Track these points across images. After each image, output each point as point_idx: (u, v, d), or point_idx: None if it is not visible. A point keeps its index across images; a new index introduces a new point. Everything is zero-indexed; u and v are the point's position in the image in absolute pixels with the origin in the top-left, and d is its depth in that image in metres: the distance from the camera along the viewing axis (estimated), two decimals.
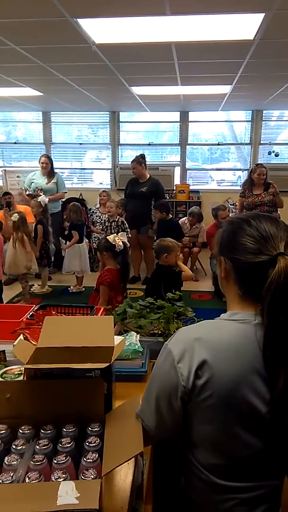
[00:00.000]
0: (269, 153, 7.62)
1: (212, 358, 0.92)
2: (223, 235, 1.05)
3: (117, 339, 1.28)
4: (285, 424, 0.91)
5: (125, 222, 5.14)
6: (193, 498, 1.04)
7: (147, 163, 5.70)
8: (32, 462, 0.95)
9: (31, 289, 5.18)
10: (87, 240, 5.60)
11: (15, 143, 8.25)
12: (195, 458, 1.01)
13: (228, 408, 0.92)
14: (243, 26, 2.94)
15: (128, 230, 5.12)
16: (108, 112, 7.73)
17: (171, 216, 5.88)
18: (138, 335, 1.73)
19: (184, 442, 1.04)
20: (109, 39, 3.26)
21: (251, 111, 7.50)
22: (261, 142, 7.60)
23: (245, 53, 3.65)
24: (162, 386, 0.99)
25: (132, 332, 1.75)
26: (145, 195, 5.45)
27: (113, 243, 3.10)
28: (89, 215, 6.19)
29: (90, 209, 6.32)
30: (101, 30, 3.05)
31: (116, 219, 5.12)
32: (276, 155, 7.63)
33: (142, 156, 5.55)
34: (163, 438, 1.09)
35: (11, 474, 0.91)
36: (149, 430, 1.02)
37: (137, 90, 5.42)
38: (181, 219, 6.26)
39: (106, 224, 5.17)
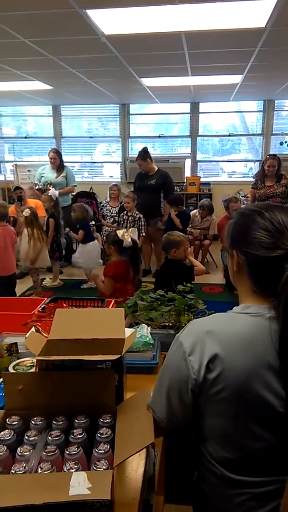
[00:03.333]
0: (281, 143, 7.51)
1: (224, 351, 0.91)
2: (234, 227, 1.01)
3: (128, 331, 1.28)
4: None
5: (142, 219, 5.12)
6: (206, 491, 1.04)
7: (157, 155, 5.67)
8: (44, 453, 0.96)
9: (43, 282, 5.22)
10: (99, 236, 5.60)
11: (25, 137, 8.27)
12: (207, 452, 1.00)
13: (240, 402, 0.91)
14: (255, 13, 2.89)
15: (143, 226, 5.12)
16: (118, 105, 7.69)
17: (184, 208, 5.87)
18: (149, 328, 1.73)
19: (196, 435, 1.03)
20: (118, 30, 3.23)
21: (262, 101, 7.39)
22: (273, 132, 7.49)
23: (257, 42, 3.59)
24: (173, 378, 0.99)
25: (143, 324, 1.75)
26: (153, 187, 5.43)
27: (121, 239, 3.10)
28: (99, 209, 6.20)
29: (101, 203, 6.31)
30: (110, 21, 3.02)
31: (134, 214, 5.12)
32: None
33: (145, 151, 5.49)
34: (173, 429, 1.09)
35: (24, 465, 0.92)
36: (159, 422, 1.02)
37: (147, 82, 5.38)
38: (192, 212, 6.23)
39: (124, 218, 5.16)
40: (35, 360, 1.19)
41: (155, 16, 2.91)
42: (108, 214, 5.93)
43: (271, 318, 0.91)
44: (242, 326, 0.93)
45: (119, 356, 1.11)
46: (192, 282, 3.13)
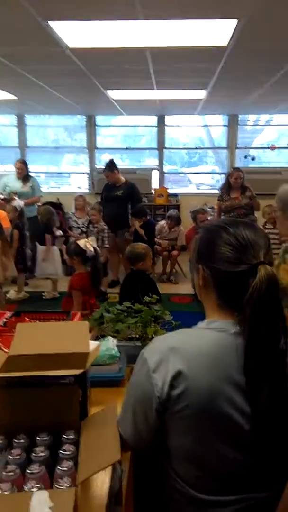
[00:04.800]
0: (246, 157, 7.75)
1: (188, 368, 0.90)
2: (200, 242, 1.02)
3: (92, 344, 1.27)
4: (268, 438, 0.90)
5: (106, 230, 5.15)
6: (171, 510, 1.03)
7: (125, 167, 5.71)
8: (4, 473, 0.93)
9: (7, 295, 5.09)
10: (63, 245, 5.55)
11: None
12: (173, 471, 0.99)
13: (204, 419, 0.90)
14: (217, 32, 2.98)
15: (107, 238, 5.14)
16: (84, 116, 7.70)
17: (148, 218, 5.92)
18: (115, 340, 1.72)
19: (162, 453, 1.02)
20: (83, 43, 3.25)
21: (227, 116, 7.61)
22: (238, 146, 7.71)
23: (220, 59, 3.70)
24: (137, 395, 0.98)
25: (109, 337, 1.74)
26: (121, 198, 5.46)
27: (84, 248, 3.07)
28: (65, 220, 6.14)
29: (67, 213, 6.27)
30: (74, 34, 3.03)
31: (99, 226, 5.12)
32: (253, 159, 7.76)
33: (112, 162, 5.54)
34: (139, 448, 1.07)
35: None
36: (125, 439, 1.01)
37: (113, 94, 5.42)
38: (160, 223, 6.29)
39: (90, 229, 5.15)
40: None
41: (119, 31, 2.95)
42: (75, 225, 5.89)
43: (236, 334, 0.91)
44: (207, 342, 0.93)
45: (82, 370, 1.10)
46: (161, 292, 3.15)
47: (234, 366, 0.89)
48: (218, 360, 0.90)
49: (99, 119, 7.84)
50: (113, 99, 5.72)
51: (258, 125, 7.98)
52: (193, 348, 0.93)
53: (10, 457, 0.98)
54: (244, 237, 0.93)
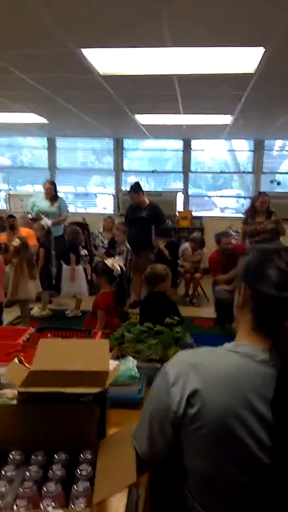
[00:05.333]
0: (271, 181, 7.72)
1: (205, 387, 0.89)
2: (250, 261, 1.01)
3: (113, 363, 1.27)
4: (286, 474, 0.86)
5: (130, 251, 5.20)
6: None
7: (150, 189, 5.79)
8: (21, 489, 0.93)
9: (31, 312, 5.16)
10: (88, 264, 5.62)
11: (20, 167, 8.40)
12: (190, 494, 0.97)
13: (218, 443, 0.88)
14: (244, 59, 3.03)
15: (131, 258, 5.19)
16: (112, 139, 7.89)
17: (172, 238, 5.95)
18: (135, 361, 1.72)
19: (180, 475, 1.00)
20: (113, 70, 3.36)
21: (253, 141, 7.64)
22: (264, 171, 7.70)
23: (246, 86, 3.75)
24: (155, 407, 0.97)
25: (129, 357, 1.74)
26: (145, 220, 5.51)
27: (111, 268, 3.10)
28: (91, 239, 6.24)
29: (93, 233, 6.37)
30: (105, 60, 3.15)
31: (126, 246, 5.19)
32: (278, 183, 7.72)
33: (137, 184, 5.64)
34: (153, 462, 1.05)
35: None
36: (141, 453, 1.00)
37: (141, 119, 5.55)
38: (183, 245, 6.28)
39: (117, 250, 5.22)
40: (16, 391, 1.17)
41: (148, 58, 3.04)
42: (101, 245, 5.97)
43: (262, 361, 0.90)
44: (229, 365, 0.92)
45: (102, 389, 1.10)
46: (184, 315, 3.13)
47: (254, 392, 0.87)
48: (236, 384, 0.89)
49: (127, 143, 8.02)
50: (141, 124, 5.85)
51: (285, 150, 7.96)
52: (213, 369, 0.92)
53: (28, 473, 0.98)
54: None
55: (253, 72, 3.28)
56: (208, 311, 5.42)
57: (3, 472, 0.99)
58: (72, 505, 0.90)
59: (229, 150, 8.09)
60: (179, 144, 7.82)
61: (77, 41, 2.76)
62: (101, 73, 3.44)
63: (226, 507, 0.92)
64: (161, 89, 3.96)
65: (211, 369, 0.92)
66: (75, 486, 0.95)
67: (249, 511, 0.91)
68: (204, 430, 0.89)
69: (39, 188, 6.43)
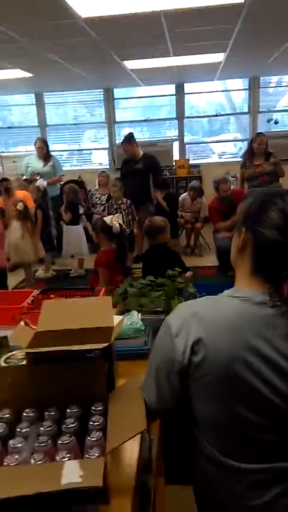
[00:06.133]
0: (268, 120, 7.46)
1: (208, 335, 0.91)
2: (251, 204, 0.98)
3: (116, 319, 1.28)
4: None
5: (132, 205, 5.14)
6: (203, 478, 1.04)
7: (145, 139, 5.63)
8: (36, 444, 0.96)
9: (36, 274, 5.20)
10: (88, 223, 5.59)
11: (9, 127, 8.14)
12: (202, 436, 1.00)
13: (225, 386, 0.91)
14: None
15: (135, 212, 5.14)
16: (102, 90, 7.56)
17: (171, 190, 5.86)
18: (139, 314, 1.74)
19: (190, 420, 1.03)
20: (96, 12, 3.16)
21: (248, 79, 7.30)
22: (260, 110, 7.42)
23: (237, 18, 3.53)
24: (160, 359, 0.99)
25: (134, 311, 1.75)
26: (141, 172, 5.39)
27: (110, 225, 3.08)
28: (89, 197, 6.16)
29: (90, 191, 6.27)
30: (87, 3, 2.95)
31: (125, 201, 5.11)
32: (276, 122, 7.48)
33: (130, 135, 5.45)
34: (162, 412, 1.09)
35: (16, 457, 0.92)
36: (149, 404, 1.02)
37: (130, 64, 5.28)
38: (182, 195, 6.20)
39: (115, 207, 5.15)
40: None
41: None
42: (98, 202, 5.90)
43: (261, 303, 0.91)
44: (229, 310, 0.93)
45: (107, 344, 1.11)
46: (186, 265, 3.14)
47: (256, 335, 0.89)
48: (237, 328, 0.90)
49: (117, 92, 7.69)
50: (130, 69, 5.58)
51: (281, 86, 7.62)
52: (214, 316, 0.93)
53: (42, 428, 1.02)
54: None
55: (242, 1, 3.07)
56: (210, 260, 5.45)
57: (18, 429, 1.02)
58: (87, 455, 0.94)
59: (224, 91, 7.76)
60: (171, 89, 7.50)
61: None
62: (83, 17, 3.23)
63: (238, 446, 0.95)
64: (148, 30, 3.74)
65: (212, 316, 0.93)
66: (88, 437, 0.98)
67: (260, 450, 0.94)
68: (210, 377, 0.91)
69: (32, 149, 6.26)
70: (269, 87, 7.53)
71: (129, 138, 5.40)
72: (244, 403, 0.91)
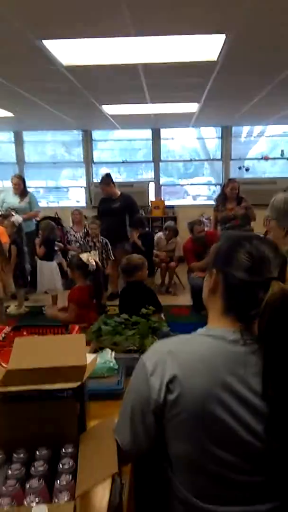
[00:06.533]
0: (240, 168, 7.82)
1: (183, 373, 0.92)
2: (221, 247, 1.04)
3: (89, 357, 1.28)
4: (277, 454, 0.90)
5: (109, 244, 5.19)
6: None
7: (122, 180, 5.78)
8: (4, 488, 0.93)
9: (7, 310, 5.09)
10: (63, 260, 5.58)
11: None
12: (174, 477, 0.99)
13: (198, 425, 0.91)
14: (207, 47, 3.04)
15: (110, 251, 5.20)
16: (81, 131, 7.79)
17: (147, 229, 5.96)
18: (113, 352, 1.73)
19: (164, 460, 1.02)
20: (77, 61, 3.31)
21: (220, 128, 7.70)
22: (232, 157, 7.79)
23: (210, 73, 3.77)
24: (136, 398, 0.99)
25: (107, 349, 1.75)
26: (118, 211, 5.49)
27: (86, 263, 3.10)
28: (64, 234, 6.18)
29: (65, 228, 6.31)
30: (68, 51, 3.09)
31: (101, 240, 5.16)
32: (247, 169, 7.84)
33: (108, 176, 5.60)
34: (137, 454, 1.07)
35: None
36: (123, 446, 1.01)
37: (108, 109, 5.50)
38: (157, 235, 6.32)
39: (90, 244, 5.19)
40: None
41: (112, 48, 3.01)
42: (73, 239, 5.92)
43: (233, 342, 0.94)
44: (203, 349, 0.95)
45: (80, 383, 1.10)
46: (159, 301, 3.16)
47: (229, 372, 0.91)
48: (211, 365, 0.92)
49: (96, 134, 7.93)
50: (109, 114, 5.80)
51: (252, 136, 8.07)
52: (189, 354, 0.95)
53: (10, 472, 0.99)
54: (264, 252, 0.96)
55: (216, 59, 3.30)
56: (184, 299, 5.49)
57: None
58: (56, 499, 0.92)
59: (198, 138, 8.13)
60: (148, 133, 7.80)
61: (37, 32, 2.70)
62: (64, 64, 3.38)
63: (211, 488, 0.94)
64: (126, 79, 3.93)
65: (187, 354, 0.95)
66: (58, 481, 0.96)
67: (233, 491, 0.93)
68: (185, 414, 0.91)
69: (8, 184, 6.29)
70: (240, 136, 7.95)
71: (106, 178, 5.54)
72: (217, 441, 0.91)
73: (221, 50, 3.08)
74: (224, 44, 2.95)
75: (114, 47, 2.99)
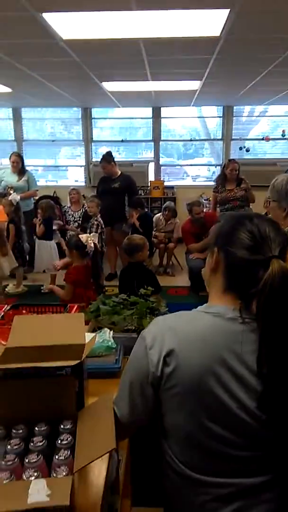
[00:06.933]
0: (240, 148, 7.73)
1: (180, 347, 0.94)
2: (222, 226, 1.04)
3: (88, 336, 1.28)
4: (270, 429, 0.92)
5: (101, 224, 5.17)
6: (168, 490, 1.06)
7: (121, 159, 5.73)
8: (3, 462, 0.95)
9: (6, 289, 5.10)
10: (62, 239, 5.56)
11: None
12: (169, 449, 1.02)
13: (194, 398, 0.93)
14: (210, 22, 2.96)
15: (104, 231, 5.16)
16: (80, 108, 7.65)
17: (146, 210, 5.92)
18: (111, 332, 1.74)
19: (160, 433, 1.05)
20: (77, 35, 3.23)
21: (222, 107, 7.57)
22: (233, 137, 7.69)
23: (213, 50, 3.68)
24: (135, 372, 1.01)
25: (106, 328, 1.76)
26: (117, 191, 5.45)
27: (85, 243, 3.09)
28: (62, 213, 6.15)
29: (64, 207, 6.27)
30: (68, 25, 3.01)
31: (98, 219, 5.13)
32: (247, 150, 7.75)
33: (109, 154, 5.55)
34: (135, 427, 1.09)
35: None
36: (121, 418, 1.03)
37: (108, 86, 5.39)
38: (156, 215, 6.29)
39: (90, 223, 5.16)
40: None
41: (113, 22, 2.93)
42: (71, 219, 5.89)
43: (231, 319, 0.95)
44: (202, 325, 0.97)
45: (78, 361, 1.11)
46: (158, 283, 3.18)
47: (226, 349, 0.92)
48: (209, 341, 0.94)
49: (95, 112, 7.80)
50: (109, 91, 5.69)
51: (253, 116, 7.95)
52: (187, 329, 0.97)
53: (9, 447, 1.00)
54: (265, 230, 0.96)
55: (218, 35, 3.22)
56: (182, 280, 5.51)
57: None
58: (54, 474, 0.93)
59: (199, 117, 8.00)
60: (148, 112, 7.68)
61: (37, 5, 2.61)
62: (64, 38, 3.30)
63: (203, 460, 0.97)
64: (127, 55, 3.84)
65: (185, 330, 0.97)
66: (56, 456, 0.98)
67: (225, 464, 0.96)
68: (180, 387, 0.94)
69: (6, 162, 6.22)
70: (242, 116, 7.83)
71: (108, 157, 5.48)
72: (211, 415, 0.93)
73: (224, 25, 3.00)
74: (227, 19, 2.87)
75: (115, 21, 2.91)
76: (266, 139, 7.71)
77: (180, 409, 0.96)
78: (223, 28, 3.05)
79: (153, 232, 5.91)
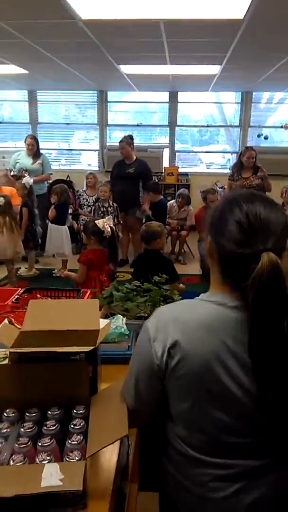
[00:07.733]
0: (258, 135, 7.58)
1: (184, 338, 0.93)
2: (215, 211, 0.99)
3: (103, 322, 1.28)
4: (270, 413, 0.92)
5: (118, 210, 5.16)
6: (170, 469, 1.06)
7: (136, 144, 5.69)
8: (16, 445, 0.96)
9: (18, 272, 5.14)
10: (74, 222, 5.56)
11: (0, 122, 8.05)
12: (173, 431, 1.03)
13: (199, 387, 0.93)
14: (233, 5, 2.87)
15: (120, 218, 5.16)
16: (95, 91, 7.56)
17: (161, 196, 5.87)
18: (124, 318, 1.74)
19: (164, 415, 1.05)
20: (96, 15, 3.16)
21: (240, 93, 7.41)
22: (251, 124, 7.54)
23: (235, 33, 3.58)
24: (140, 363, 1.01)
25: (119, 315, 1.76)
26: (132, 176, 5.41)
27: (102, 229, 3.08)
28: (76, 197, 6.13)
29: (78, 191, 6.24)
30: (88, 4, 2.95)
31: (112, 204, 5.11)
32: (265, 138, 7.59)
33: (131, 137, 5.54)
34: (142, 416, 1.09)
35: None
36: (128, 405, 1.04)
37: (125, 69, 5.30)
38: (170, 202, 6.23)
39: (102, 210, 5.15)
40: (8, 352, 1.18)
41: (133, 2, 2.86)
42: (85, 203, 5.87)
43: (234, 308, 0.93)
44: (205, 314, 0.95)
45: (93, 347, 1.11)
46: (175, 271, 3.16)
47: (230, 336, 0.91)
48: (213, 330, 0.93)
49: (111, 95, 7.70)
50: (125, 74, 5.60)
51: (272, 103, 7.77)
52: (191, 319, 0.96)
53: (22, 430, 1.01)
54: (257, 217, 0.89)
55: (241, 18, 3.13)
56: (194, 268, 5.48)
57: None
58: (66, 458, 0.94)
59: (216, 103, 7.85)
60: (165, 96, 7.55)
61: None
62: (83, 18, 3.23)
63: (208, 444, 0.97)
64: (147, 37, 3.76)
65: (189, 319, 0.96)
66: (69, 440, 0.98)
67: (229, 448, 0.97)
68: (185, 377, 0.93)
69: (21, 145, 6.20)
70: (260, 103, 7.66)
71: (129, 139, 5.46)
72: (215, 402, 0.93)
73: (248, 8, 2.91)
74: (251, 2, 2.77)
75: (135, 1, 2.84)
76: (285, 127, 7.54)
77: (185, 397, 0.96)
78: (247, 11, 2.95)
79: (166, 219, 5.87)
